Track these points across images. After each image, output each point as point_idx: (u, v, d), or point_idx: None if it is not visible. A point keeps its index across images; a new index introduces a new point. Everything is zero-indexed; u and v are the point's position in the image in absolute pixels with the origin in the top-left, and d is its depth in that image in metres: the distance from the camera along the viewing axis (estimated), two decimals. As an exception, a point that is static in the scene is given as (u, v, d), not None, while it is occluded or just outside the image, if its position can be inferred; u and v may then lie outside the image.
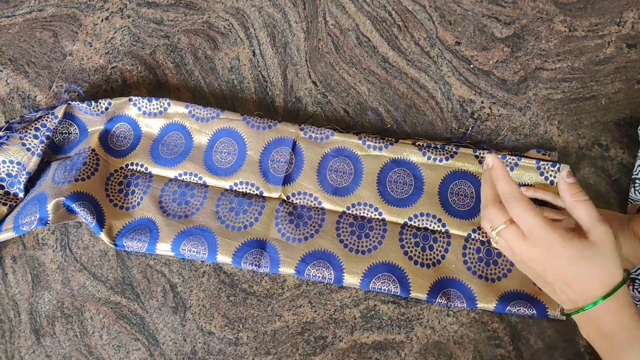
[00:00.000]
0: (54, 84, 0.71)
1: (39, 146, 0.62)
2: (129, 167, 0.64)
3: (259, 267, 0.57)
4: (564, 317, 0.54)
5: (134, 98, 0.65)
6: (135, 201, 0.62)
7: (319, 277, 0.56)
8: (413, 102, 0.67)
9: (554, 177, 0.59)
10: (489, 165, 0.44)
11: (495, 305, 0.55)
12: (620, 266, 0.39)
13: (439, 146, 0.62)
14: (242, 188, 0.62)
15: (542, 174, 0.59)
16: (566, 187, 0.41)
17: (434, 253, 0.58)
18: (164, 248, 0.58)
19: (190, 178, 0.63)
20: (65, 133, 0.65)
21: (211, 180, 0.62)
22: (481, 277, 0.56)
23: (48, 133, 0.63)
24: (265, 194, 0.61)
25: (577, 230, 0.41)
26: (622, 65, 0.66)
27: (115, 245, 0.59)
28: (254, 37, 0.72)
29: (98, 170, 0.62)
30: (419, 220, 0.59)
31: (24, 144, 0.62)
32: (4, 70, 0.72)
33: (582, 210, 0.40)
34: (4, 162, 0.61)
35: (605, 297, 0.38)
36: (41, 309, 0.60)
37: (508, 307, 0.54)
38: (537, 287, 0.55)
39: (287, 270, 0.57)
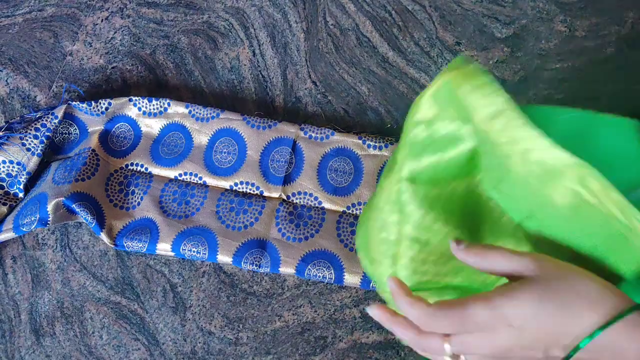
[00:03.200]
0: (54, 84, 0.71)
1: (39, 146, 0.62)
2: (129, 167, 0.64)
3: (259, 267, 0.57)
4: None
5: (134, 98, 0.65)
6: (135, 201, 0.62)
7: (319, 276, 0.56)
8: (413, 102, 0.67)
9: None
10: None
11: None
12: (603, 283, 0.28)
13: None
14: (242, 188, 0.62)
15: None
16: (465, 254, 0.32)
17: None
18: (164, 248, 0.58)
19: (190, 178, 0.63)
20: (65, 133, 0.65)
21: (211, 180, 0.62)
22: None
23: (48, 133, 0.63)
24: (266, 193, 0.61)
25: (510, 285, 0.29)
26: (622, 65, 0.66)
27: (116, 245, 0.59)
28: (254, 37, 0.72)
29: (98, 171, 0.62)
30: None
31: (24, 144, 0.62)
32: (4, 70, 0.72)
33: (496, 259, 0.30)
34: (4, 162, 0.61)
35: (606, 325, 0.26)
36: (41, 309, 0.60)
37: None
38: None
39: (287, 270, 0.57)
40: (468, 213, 0.39)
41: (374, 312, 0.32)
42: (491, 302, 0.28)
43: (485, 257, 0.31)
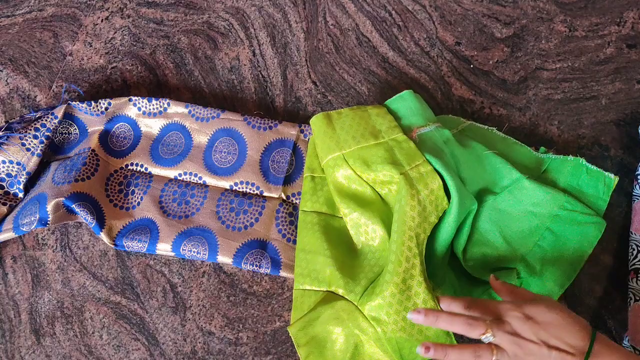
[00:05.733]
0: (54, 84, 0.71)
1: (38, 146, 0.62)
2: (129, 167, 0.64)
3: (259, 268, 0.57)
4: None
5: (134, 98, 0.65)
6: (135, 201, 0.62)
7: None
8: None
9: None
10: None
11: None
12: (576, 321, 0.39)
13: None
14: (242, 188, 0.62)
15: None
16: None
17: None
18: (164, 248, 0.58)
19: (190, 178, 0.63)
20: (65, 133, 0.65)
21: (211, 180, 0.62)
22: None
23: (48, 133, 0.63)
24: (266, 193, 0.61)
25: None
26: (622, 65, 0.66)
27: (116, 245, 0.59)
28: (254, 37, 0.72)
29: (98, 171, 0.62)
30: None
31: (23, 144, 0.62)
32: (4, 70, 0.72)
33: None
34: (4, 162, 0.61)
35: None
36: (41, 309, 0.60)
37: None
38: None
39: (288, 274, 0.57)
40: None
41: (413, 315, 0.42)
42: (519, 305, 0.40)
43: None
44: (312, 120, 0.59)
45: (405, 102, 0.59)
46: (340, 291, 0.51)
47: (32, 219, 0.57)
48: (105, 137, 0.65)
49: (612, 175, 0.56)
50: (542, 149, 0.60)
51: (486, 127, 0.62)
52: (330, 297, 0.51)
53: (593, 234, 0.53)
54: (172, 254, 0.58)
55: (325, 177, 0.58)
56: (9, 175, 0.62)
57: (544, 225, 0.54)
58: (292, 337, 0.51)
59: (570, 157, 0.58)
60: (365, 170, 0.53)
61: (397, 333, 0.47)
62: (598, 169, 0.56)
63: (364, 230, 0.53)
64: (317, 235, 0.54)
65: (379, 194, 0.54)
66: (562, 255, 0.52)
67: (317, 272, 0.53)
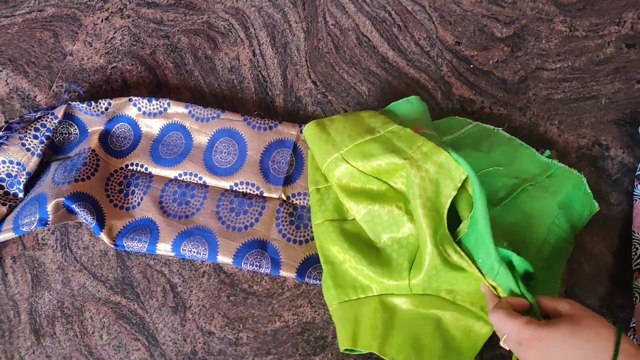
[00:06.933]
0: (54, 84, 0.71)
1: (38, 146, 0.62)
2: (129, 167, 0.64)
3: (259, 268, 0.57)
4: None
5: (134, 98, 0.65)
6: (135, 201, 0.62)
7: (319, 280, 0.56)
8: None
9: None
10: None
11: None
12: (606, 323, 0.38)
13: None
14: (243, 188, 0.62)
15: None
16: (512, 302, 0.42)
17: None
18: (164, 248, 0.58)
19: (190, 178, 0.63)
20: (65, 133, 0.65)
21: (211, 180, 0.62)
22: None
23: (48, 133, 0.63)
24: (266, 194, 0.61)
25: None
26: (622, 65, 0.66)
27: (116, 245, 0.59)
28: (254, 37, 0.72)
29: (98, 171, 0.62)
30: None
31: (23, 144, 0.61)
32: (4, 70, 0.72)
33: (545, 301, 0.42)
34: (4, 162, 0.61)
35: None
36: (41, 309, 0.59)
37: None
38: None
39: (288, 274, 0.57)
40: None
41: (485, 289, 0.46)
42: (538, 326, 0.39)
43: (539, 300, 0.42)
44: (305, 130, 0.58)
45: (411, 105, 0.59)
46: (391, 282, 0.49)
47: (32, 219, 0.57)
48: (105, 137, 0.65)
49: (597, 205, 0.56)
50: (547, 152, 0.60)
51: (492, 127, 0.62)
52: (384, 302, 0.50)
53: (566, 252, 0.54)
54: (172, 254, 0.58)
55: (329, 185, 0.57)
56: (9, 175, 0.62)
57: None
58: (384, 356, 0.48)
59: (575, 172, 0.57)
60: (366, 164, 0.52)
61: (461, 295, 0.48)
62: (591, 193, 0.56)
63: (381, 221, 0.52)
64: (337, 243, 0.53)
65: (388, 184, 0.53)
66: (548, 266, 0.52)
67: (354, 279, 0.52)
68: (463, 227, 0.48)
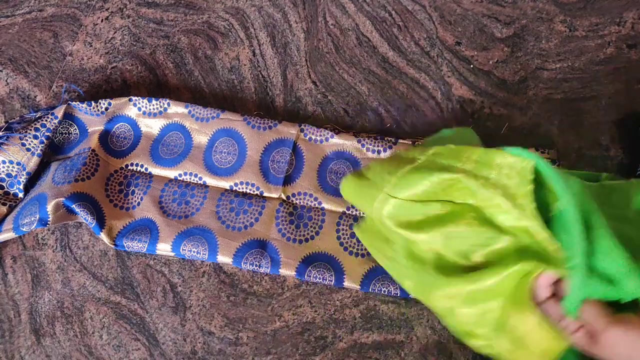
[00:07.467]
0: (54, 84, 0.71)
1: (38, 146, 0.62)
2: (129, 167, 0.64)
3: (259, 268, 0.57)
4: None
5: (134, 98, 0.65)
6: (135, 201, 0.62)
7: (319, 278, 0.56)
8: (413, 102, 0.67)
9: None
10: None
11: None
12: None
13: None
14: (242, 188, 0.62)
15: None
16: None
17: None
18: (164, 248, 0.58)
19: (190, 178, 0.63)
20: (65, 133, 0.65)
21: (211, 180, 0.62)
22: None
23: (48, 133, 0.63)
24: (266, 194, 0.61)
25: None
26: (622, 65, 0.66)
27: (116, 245, 0.59)
28: (254, 37, 0.72)
29: (98, 171, 0.62)
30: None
31: (23, 144, 0.62)
32: (4, 70, 0.72)
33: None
34: (4, 162, 0.61)
35: None
36: (41, 309, 0.60)
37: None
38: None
39: (287, 272, 0.57)
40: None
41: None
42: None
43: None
44: (342, 185, 0.53)
45: (453, 132, 0.54)
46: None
47: (32, 219, 0.57)
48: (105, 137, 0.65)
49: None
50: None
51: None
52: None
53: None
54: (172, 254, 0.58)
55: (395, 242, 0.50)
56: (9, 175, 0.62)
57: None
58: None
59: None
60: (416, 191, 0.46)
61: None
62: None
63: (465, 238, 0.45)
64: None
65: (451, 201, 0.46)
66: None
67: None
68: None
